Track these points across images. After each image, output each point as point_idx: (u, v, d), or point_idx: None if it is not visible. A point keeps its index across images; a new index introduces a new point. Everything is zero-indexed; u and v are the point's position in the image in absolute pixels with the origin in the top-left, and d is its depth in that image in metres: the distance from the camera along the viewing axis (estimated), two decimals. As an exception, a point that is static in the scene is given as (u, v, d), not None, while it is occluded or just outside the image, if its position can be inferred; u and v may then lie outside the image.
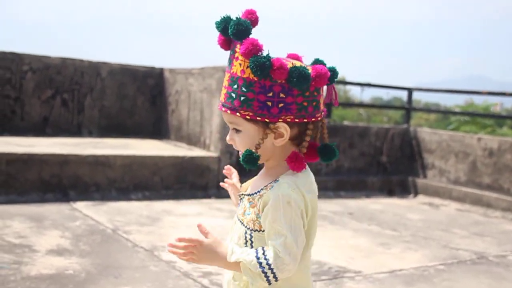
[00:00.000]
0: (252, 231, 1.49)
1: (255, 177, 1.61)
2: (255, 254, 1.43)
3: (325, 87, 1.51)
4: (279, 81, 1.42)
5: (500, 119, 13.67)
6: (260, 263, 1.41)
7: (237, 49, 1.44)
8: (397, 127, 7.83)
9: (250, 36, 1.43)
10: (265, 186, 1.49)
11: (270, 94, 1.42)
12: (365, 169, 7.31)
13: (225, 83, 1.48)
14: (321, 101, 1.51)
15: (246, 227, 1.51)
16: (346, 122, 9.12)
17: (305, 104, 1.45)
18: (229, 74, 1.47)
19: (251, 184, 1.60)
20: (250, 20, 1.44)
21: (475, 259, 4.23)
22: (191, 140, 6.67)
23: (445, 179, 7.12)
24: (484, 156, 6.72)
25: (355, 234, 4.71)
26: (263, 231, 1.47)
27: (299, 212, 1.44)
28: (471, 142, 6.89)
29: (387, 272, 3.70)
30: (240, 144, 1.50)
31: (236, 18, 1.43)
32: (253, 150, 1.46)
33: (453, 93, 8.43)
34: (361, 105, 12.50)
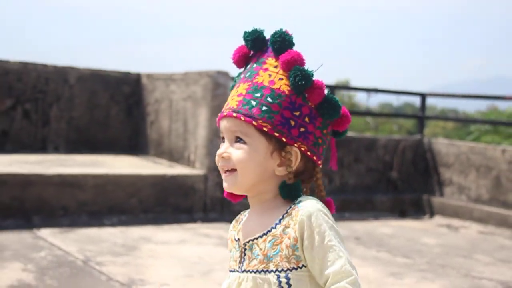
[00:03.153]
0: (289, 272, 1.44)
1: (245, 221, 1.57)
2: None
3: None
4: (310, 104, 1.48)
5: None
6: None
7: (268, 61, 1.51)
8: (409, 138, 7.87)
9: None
10: (286, 213, 1.46)
11: (297, 113, 1.47)
12: (373, 187, 7.32)
13: (241, 91, 1.50)
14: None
15: (277, 271, 1.44)
16: (350, 133, 9.15)
17: (320, 141, 1.51)
18: (249, 83, 1.50)
19: (249, 229, 1.53)
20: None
21: (500, 289, 4.24)
22: (173, 156, 6.67)
23: (465, 197, 7.14)
24: (510, 170, 6.75)
25: (362, 263, 4.71)
26: (302, 266, 1.44)
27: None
28: (494, 155, 6.93)
29: (400, 306, 3.70)
30: (241, 158, 1.47)
31: (280, 30, 1.51)
32: (253, 175, 1.48)
33: (472, 98, 8.48)
34: (367, 113, 12.55)
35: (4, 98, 6.69)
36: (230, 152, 1.49)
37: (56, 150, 6.96)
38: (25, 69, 6.82)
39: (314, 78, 1.47)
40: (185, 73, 6.58)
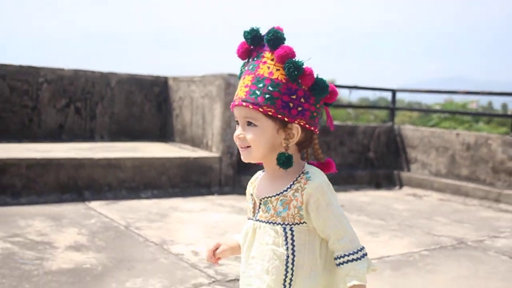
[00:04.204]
0: (293, 225, 1.49)
1: (261, 182, 1.58)
2: (356, 261, 1.44)
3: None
4: (303, 87, 1.47)
5: (476, 116, 13.72)
6: (363, 255, 1.46)
7: (265, 55, 1.48)
8: (383, 125, 7.86)
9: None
10: (296, 180, 1.49)
11: (294, 97, 1.46)
12: (354, 165, 7.34)
13: (247, 82, 1.49)
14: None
15: (284, 224, 1.49)
16: (336, 122, 9.14)
17: (315, 114, 1.51)
18: (253, 75, 1.48)
19: (264, 188, 1.56)
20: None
21: (455, 244, 4.26)
22: (195, 142, 6.70)
23: (427, 172, 7.15)
24: (462, 150, 6.75)
25: (346, 225, 4.73)
26: (303, 223, 1.48)
27: None
28: (450, 138, 6.93)
29: (376, 259, 3.72)
30: (254, 138, 1.48)
31: (272, 28, 1.48)
32: (265, 148, 1.49)
33: (432, 93, 8.47)
34: (349, 106, 12.53)
35: (60, 98, 6.72)
36: (244, 133, 1.50)
37: (102, 139, 6.99)
38: (76, 75, 6.83)
39: (304, 66, 1.46)
40: (203, 76, 6.59)
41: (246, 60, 1.55)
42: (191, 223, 4.44)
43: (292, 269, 1.48)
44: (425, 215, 5.36)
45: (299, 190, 1.47)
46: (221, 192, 5.82)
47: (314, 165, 1.56)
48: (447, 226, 4.90)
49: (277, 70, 1.46)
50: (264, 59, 1.48)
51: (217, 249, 1.74)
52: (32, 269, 3.10)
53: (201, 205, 5.18)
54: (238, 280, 2.90)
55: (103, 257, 3.39)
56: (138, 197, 5.36)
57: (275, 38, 1.46)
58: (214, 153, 6.12)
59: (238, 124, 1.53)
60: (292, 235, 1.49)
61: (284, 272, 1.49)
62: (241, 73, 1.56)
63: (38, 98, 6.57)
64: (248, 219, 1.60)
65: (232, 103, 1.53)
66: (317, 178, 1.48)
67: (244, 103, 1.47)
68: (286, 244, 1.49)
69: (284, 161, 1.47)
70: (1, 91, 6.35)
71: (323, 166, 1.58)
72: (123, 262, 3.33)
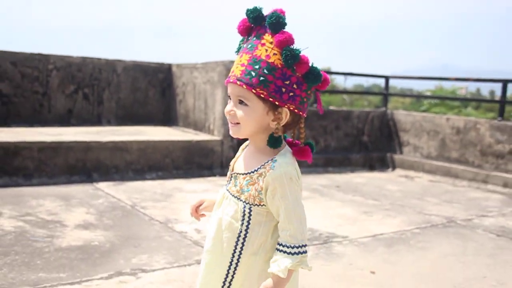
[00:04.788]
0: (252, 206, 1.49)
1: (242, 156, 1.59)
2: (287, 255, 1.44)
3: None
4: (297, 74, 1.44)
5: (465, 101, 13.69)
6: (298, 253, 1.44)
7: (265, 37, 1.44)
8: (376, 110, 7.85)
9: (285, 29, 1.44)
10: (263, 165, 1.47)
11: (287, 82, 1.43)
12: (350, 148, 7.33)
13: (243, 61, 1.45)
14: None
15: (245, 202, 1.50)
16: (332, 107, 9.11)
17: (305, 100, 1.48)
18: (250, 55, 1.44)
19: (241, 163, 1.57)
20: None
21: (445, 223, 4.26)
22: (197, 126, 6.68)
23: (419, 155, 7.15)
24: (452, 133, 6.74)
25: (342, 204, 4.74)
26: (263, 205, 1.48)
27: (299, 184, 1.48)
28: (440, 122, 6.91)
29: (370, 236, 3.73)
30: (243, 117, 1.46)
31: (275, 11, 1.43)
32: (253, 127, 1.47)
33: (424, 79, 8.44)
34: (344, 92, 12.51)
35: (69, 84, 6.69)
36: (235, 110, 1.48)
37: (109, 123, 6.98)
38: (84, 62, 6.80)
39: (301, 54, 1.42)
40: (205, 63, 6.55)
41: (246, 37, 1.51)
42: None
43: (242, 243, 1.50)
44: (416, 196, 5.37)
45: (262, 176, 1.47)
46: (223, 174, 5.81)
47: (293, 149, 1.54)
48: (437, 206, 4.91)
49: (274, 54, 1.42)
50: (263, 41, 1.44)
51: (200, 205, 1.77)
52: (43, 246, 3.11)
53: (204, 186, 5.17)
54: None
55: (111, 235, 3.39)
56: (144, 178, 5.36)
57: (277, 23, 1.42)
58: (216, 136, 6.11)
59: (230, 98, 1.51)
60: (250, 214, 1.49)
61: (234, 244, 1.51)
62: (239, 47, 1.53)
63: (48, 84, 6.54)
64: (224, 185, 1.63)
65: (227, 78, 1.50)
66: (280, 168, 1.45)
67: (238, 82, 1.44)
68: (242, 220, 1.50)
69: (272, 142, 1.47)
70: (12, 78, 6.32)
71: (299, 151, 1.53)
72: (130, 239, 3.33)
